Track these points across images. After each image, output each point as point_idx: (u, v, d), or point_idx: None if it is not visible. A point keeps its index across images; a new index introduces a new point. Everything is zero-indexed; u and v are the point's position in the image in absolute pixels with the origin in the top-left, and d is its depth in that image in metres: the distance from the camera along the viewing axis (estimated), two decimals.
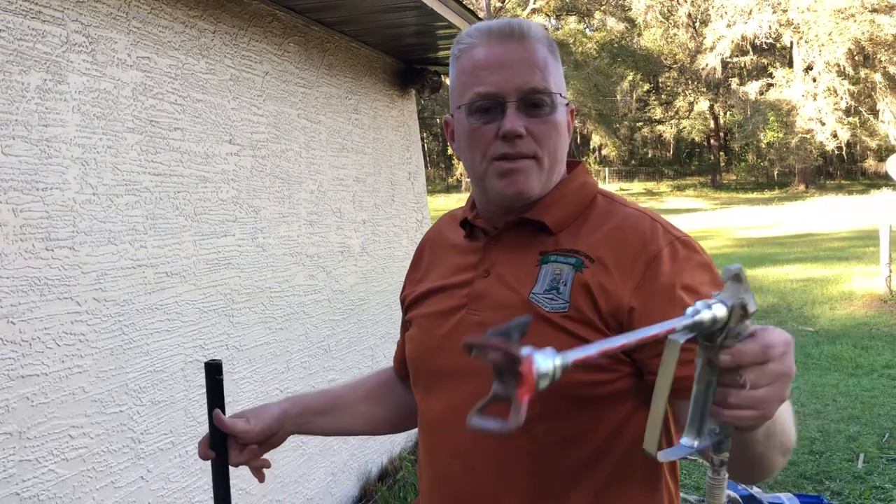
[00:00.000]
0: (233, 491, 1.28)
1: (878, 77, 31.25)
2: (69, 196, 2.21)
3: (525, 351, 0.63)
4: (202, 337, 2.77)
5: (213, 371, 1.28)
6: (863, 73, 31.63)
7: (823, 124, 30.98)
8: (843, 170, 37.06)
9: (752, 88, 34.25)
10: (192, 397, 2.69)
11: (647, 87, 40.52)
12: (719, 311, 0.74)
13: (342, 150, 3.95)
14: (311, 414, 1.38)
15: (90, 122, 2.30)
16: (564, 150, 1.20)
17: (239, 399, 2.92)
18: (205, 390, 1.28)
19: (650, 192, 35.22)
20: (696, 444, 0.81)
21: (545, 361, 0.63)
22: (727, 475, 0.84)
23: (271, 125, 3.29)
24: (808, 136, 31.40)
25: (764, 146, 34.53)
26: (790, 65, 33.90)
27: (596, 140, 40.74)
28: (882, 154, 31.86)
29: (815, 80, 31.63)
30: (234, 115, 3.02)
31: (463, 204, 1.34)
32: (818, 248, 14.79)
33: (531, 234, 1.18)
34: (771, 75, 34.38)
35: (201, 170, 2.80)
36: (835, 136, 30.93)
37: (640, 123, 40.67)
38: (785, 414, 0.97)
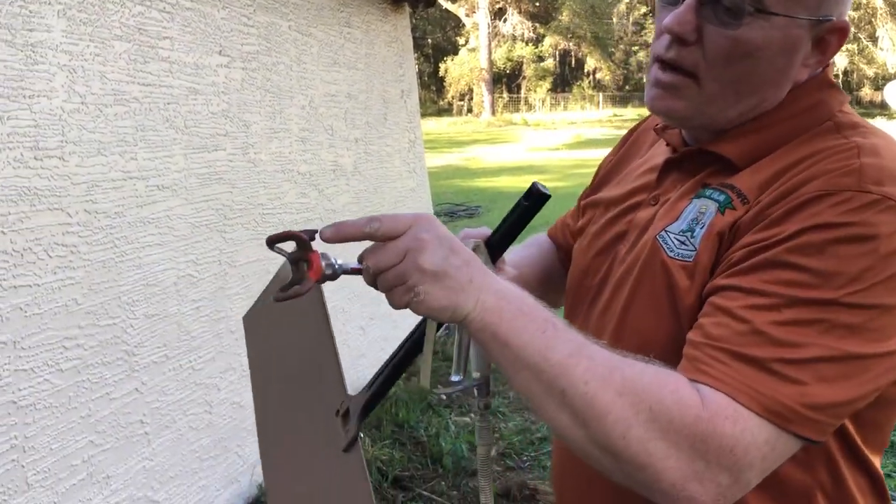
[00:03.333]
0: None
1: (879, 2, 30.74)
2: (57, 104, 2.17)
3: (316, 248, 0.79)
4: (194, 252, 2.77)
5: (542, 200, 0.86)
6: None
7: None
8: None
9: None
10: (184, 311, 2.70)
11: (643, 9, 39.71)
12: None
13: (334, 64, 3.87)
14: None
15: (76, 27, 2.23)
16: (769, 80, 0.90)
17: (231, 314, 2.94)
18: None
19: (644, 119, 34.91)
20: (459, 378, 0.88)
21: (331, 259, 0.81)
22: (490, 420, 0.92)
23: (262, 37, 3.21)
24: None
25: None
26: None
27: (591, 63, 40.13)
28: (879, 82, 31.59)
29: None
30: (223, 25, 2.94)
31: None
32: None
33: (709, 164, 0.95)
34: None
35: (191, 81, 2.75)
36: (832, 63, 30.61)
37: (636, 48, 40.02)
38: (581, 366, 0.76)
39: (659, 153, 1.07)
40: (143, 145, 2.51)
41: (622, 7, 38.14)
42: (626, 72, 41.62)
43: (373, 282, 0.79)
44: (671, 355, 0.84)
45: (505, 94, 38.58)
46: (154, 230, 2.57)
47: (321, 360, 0.96)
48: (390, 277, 0.76)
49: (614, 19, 38.02)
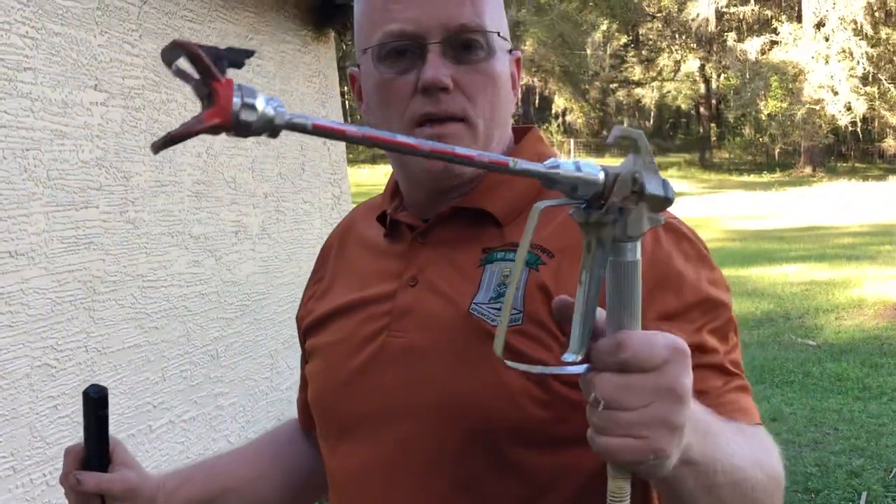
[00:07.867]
0: None
1: None
2: None
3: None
4: (54, 335, 2.75)
5: (97, 404, 1.16)
6: (884, 32, 32.66)
7: (836, 94, 31.88)
8: (857, 150, 38.21)
9: (751, 46, 35.04)
10: (39, 411, 2.67)
11: (624, 39, 41.08)
12: (591, 173, 0.71)
13: None
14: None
15: None
16: (507, 109, 1.17)
17: None
18: (83, 419, 1.19)
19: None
20: (575, 357, 0.75)
21: (258, 97, 0.61)
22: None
23: (149, 69, 3.27)
24: (817, 108, 32.27)
25: (764, 118, 35.35)
26: (798, 19, 34.77)
27: (560, 103, 41.18)
28: None
29: (827, 40, 32.52)
30: (101, 53, 2.99)
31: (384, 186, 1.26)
32: (825, 244, 15.27)
33: (471, 225, 1.14)
34: (775, 31, 35.21)
35: (58, 122, 2.77)
36: (849, 108, 31.85)
37: (615, 85, 41.27)
38: (747, 458, 0.91)
39: (373, 236, 1.24)
40: None
41: (598, 36, 39.37)
42: (601, 114, 42.76)
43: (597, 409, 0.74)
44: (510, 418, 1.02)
45: None
46: (3, 307, 2.55)
47: None
48: (626, 423, 0.72)
49: (588, 51, 39.23)
